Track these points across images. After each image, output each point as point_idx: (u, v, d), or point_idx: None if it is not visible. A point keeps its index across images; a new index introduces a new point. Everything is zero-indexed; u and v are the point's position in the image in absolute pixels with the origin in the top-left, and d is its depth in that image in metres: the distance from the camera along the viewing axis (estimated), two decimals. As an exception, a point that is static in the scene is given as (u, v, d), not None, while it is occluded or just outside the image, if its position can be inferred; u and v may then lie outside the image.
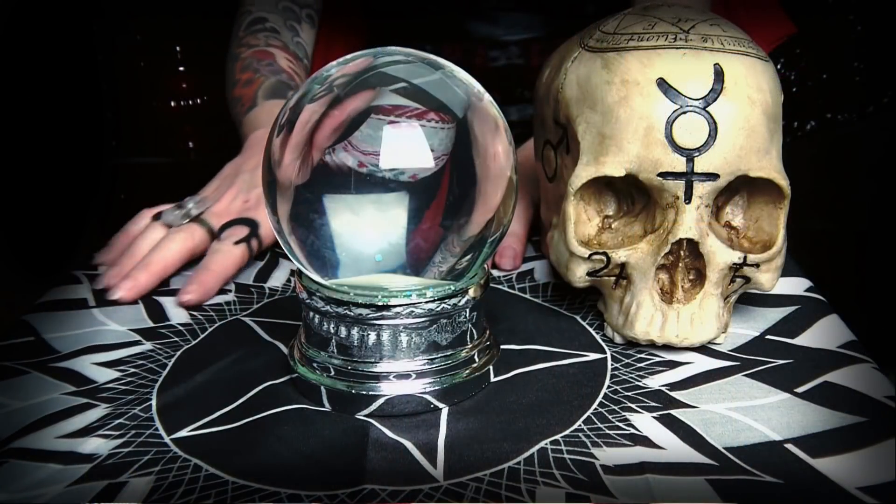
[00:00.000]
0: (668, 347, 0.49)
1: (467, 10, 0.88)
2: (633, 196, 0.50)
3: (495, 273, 0.62)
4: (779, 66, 1.26)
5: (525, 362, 0.49)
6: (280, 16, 0.84)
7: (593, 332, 0.53)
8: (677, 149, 0.46)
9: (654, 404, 0.44)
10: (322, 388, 0.45)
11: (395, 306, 0.43)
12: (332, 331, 0.44)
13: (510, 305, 0.57)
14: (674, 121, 0.46)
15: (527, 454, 0.40)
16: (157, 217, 0.64)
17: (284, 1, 0.85)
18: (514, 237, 0.64)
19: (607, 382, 0.47)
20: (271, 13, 0.84)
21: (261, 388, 0.47)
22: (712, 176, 0.46)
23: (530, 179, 0.63)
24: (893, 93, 1.26)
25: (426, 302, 0.43)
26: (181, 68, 1.53)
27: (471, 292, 0.45)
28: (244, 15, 0.84)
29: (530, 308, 0.57)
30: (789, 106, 0.55)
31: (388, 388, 0.44)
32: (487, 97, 0.45)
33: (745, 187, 0.49)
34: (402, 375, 0.44)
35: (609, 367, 0.49)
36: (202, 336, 0.54)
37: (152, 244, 0.61)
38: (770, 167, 0.47)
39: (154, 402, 0.46)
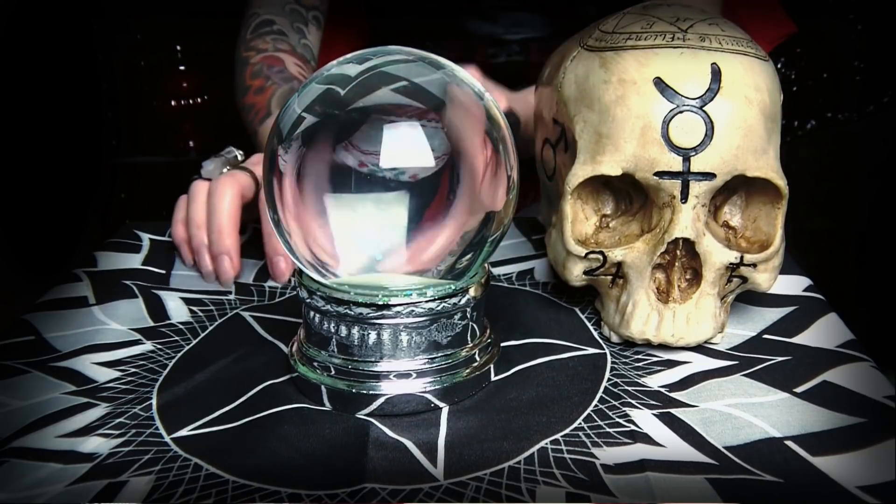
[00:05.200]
0: (665, 347, 0.50)
1: (468, 9, 0.88)
2: (630, 195, 0.51)
3: (495, 272, 0.62)
4: (779, 66, 1.26)
5: (525, 357, 0.49)
6: (287, 18, 0.84)
7: (591, 329, 0.53)
8: (674, 148, 0.46)
9: (653, 402, 0.45)
10: (322, 387, 0.45)
11: (395, 305, 0.43)
12: (333, 330, 0.44)
13: (510, 300, 0.57)
14: (670, 120, 0.46)
15: (527, 453, 0.40)
16: (197, 175, 0.64)
17: (291, 3, 0.85)
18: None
19: (607, 376, 0.47)
20: (279, 16, 0.83)
21: (261, 387, 0.47)
22: (709, 175, 0.46)
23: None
24: (894, 92, 1.26)
25: (426, 301, 0.43)
26: (181, 68, 1.53)
27: (471, 291, 0.45)
28: (251, 17, 0.84)
29: (528, 301, 0.57)
30: (789, 105, 0.55)
31: (389, 388, 0.44)
32: (488, 96, 0.45)
33: (743, 187, 0.49)
34: (403, 375, 0.44)
35: (609, 361, 0.49)
36: (203, 335, 0.54)
37: (204, 204, 0.62)
38: (767, 167, 0.47)
39: (154, 402, 0.46)
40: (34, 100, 1.35)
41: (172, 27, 1.50)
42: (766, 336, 0.51)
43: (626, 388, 0.46)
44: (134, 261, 0.65)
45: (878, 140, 1.20)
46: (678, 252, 0.48)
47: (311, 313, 0.45)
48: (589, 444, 0.41)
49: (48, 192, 1.36)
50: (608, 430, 0.42)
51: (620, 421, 0.43)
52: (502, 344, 0.50)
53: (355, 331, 0.44)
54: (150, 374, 0.49)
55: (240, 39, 0.83)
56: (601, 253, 0.49)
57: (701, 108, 0.46)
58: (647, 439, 0.41)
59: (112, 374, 0.49)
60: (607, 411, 0.44)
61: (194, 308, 0.57)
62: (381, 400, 0.44)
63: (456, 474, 0.39)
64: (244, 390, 0.47)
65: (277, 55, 0.79)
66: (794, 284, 0.57)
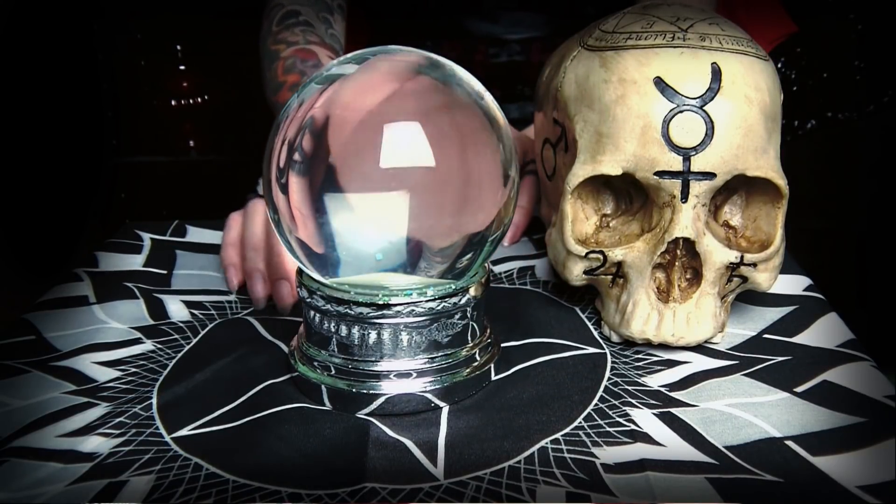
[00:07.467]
0: (665, 346, 0.50)
1: (469, 9, 0.88)
2: (631, 195, 0.51)
3: (495, 269, 0.62)
4: (779, 65, 1.26)
5: (525, 357, 0.49)
6: (312, 8, 0.82)
7: (592, 328, 0.53)
8: (674, 147, 0.46)
9: (653, 402, 0.45)
10: (323, 386, 0.45)
11: (395, 305, 0.43)
12: (333, 329, 0.44)
13: (510, 299, 0.57)
14: (670, 119, 0.46)
15: (527, 453, 0.41)
16: (253, 193, 0.64)
17: None
18: (517, 210, 0.65)
19: (607, 375, 0.47)
20: (304, 6, 0.81)
21: (261, 386, 0.47)
22: (709, 175, 0.46)
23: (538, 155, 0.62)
24: (894, 92, 1.27)
25: (427, 301, 0.43)
26: (181, 68, 1.53)
27: (472, 291, 0.45)
28: (276, 9, 0.82)
29: (529, 301, 0.57)
30: (789, 105, 0.55)
31: (389, 387, 0.44)
32: (488, 96, 0.45)
33: (743, 187, 0.49)
34: (403, 374, 0.44)
35: (609, 360, 0.49)
36: (203, 334, 0.54)
37: (262, 225, 0.60)
38: (768, 167, 0.47)
39: (154, 401, 0.46)
40: (34, 100, 1.35)
41: (172, 27, 1.51)
42: (766, 336, 0.51)
43: (627, 387, 0.46)
44: (135, 262, 0.65)
45: (877, 140, 1.20)
46: (678, 252, 0.48)
47: (312, 313, 0.45)
48: (589, 444, 0.41)
49: (48, 192, 1.36)
50: (608, 429, 0.42)
51: (620, 420, 0.43)
52: (503, 343, 0.50)
53: (355, 330, 0.44)
54: (151, 373, 0.49)
55: (265, 32, 0.81)
56: (601, 252, 0.49)
57: (701, 107, 0.46)
58: (647, 439, 0.41)
59: (112, 373, 0.49)
60: (607, 410, 0.44)
61: (195, 311, 0.57)
62: (382, 399, 0.44)
63: (456, 474, 0.39)
64: (244, 390, 0.47)
65: (309, 48, 0.78)
66: (794, 284, 0.57)
